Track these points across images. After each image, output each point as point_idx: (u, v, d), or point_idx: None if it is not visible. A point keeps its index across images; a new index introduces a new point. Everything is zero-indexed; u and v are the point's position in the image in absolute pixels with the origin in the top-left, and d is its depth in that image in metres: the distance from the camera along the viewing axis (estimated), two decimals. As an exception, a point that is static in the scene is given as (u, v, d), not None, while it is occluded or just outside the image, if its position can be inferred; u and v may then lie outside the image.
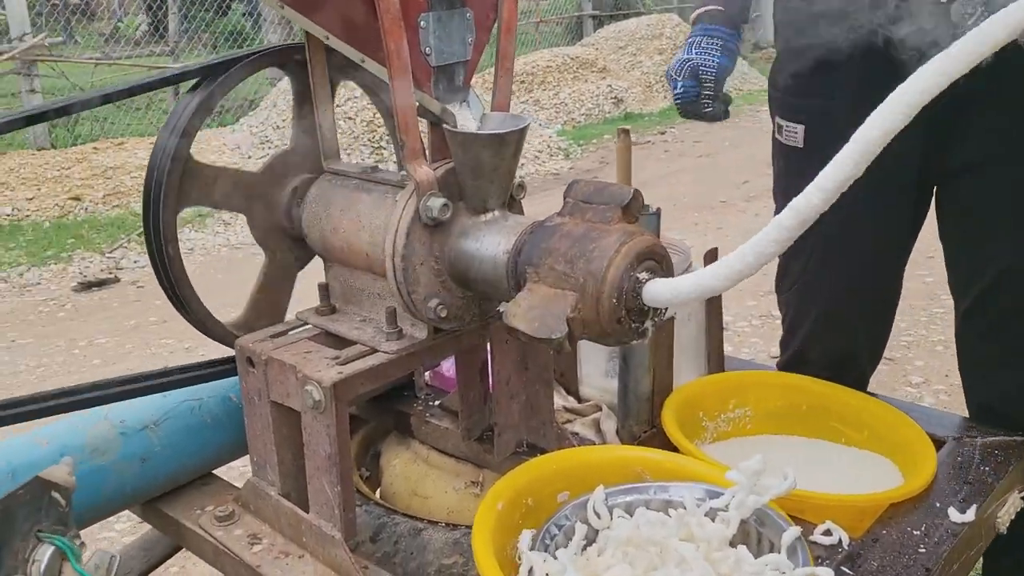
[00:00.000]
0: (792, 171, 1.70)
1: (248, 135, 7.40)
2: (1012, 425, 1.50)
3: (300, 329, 1.28)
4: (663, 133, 8.63)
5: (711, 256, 1.62)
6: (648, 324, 1.00)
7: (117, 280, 4.87)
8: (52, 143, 7.64)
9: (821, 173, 0.82)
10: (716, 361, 1.66)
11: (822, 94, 1.58)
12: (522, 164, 7.26)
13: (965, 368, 1.70)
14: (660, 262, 0.99)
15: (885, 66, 1.30)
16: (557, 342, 0.95)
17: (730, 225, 5.41)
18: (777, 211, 1.71)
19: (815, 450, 1.50)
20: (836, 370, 1.66)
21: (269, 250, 1.35)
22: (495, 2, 1.14)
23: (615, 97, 9.75)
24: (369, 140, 6.91)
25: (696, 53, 1.61)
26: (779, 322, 3.76)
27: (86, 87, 8.84)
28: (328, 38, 1.11)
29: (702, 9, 1.63)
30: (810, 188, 0.82)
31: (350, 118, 6.98)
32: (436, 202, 1.08)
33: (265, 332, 1.26)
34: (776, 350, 3.53)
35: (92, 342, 4.05)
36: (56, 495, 0.78)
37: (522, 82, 9.51)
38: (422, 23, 1.06)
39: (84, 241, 5.47)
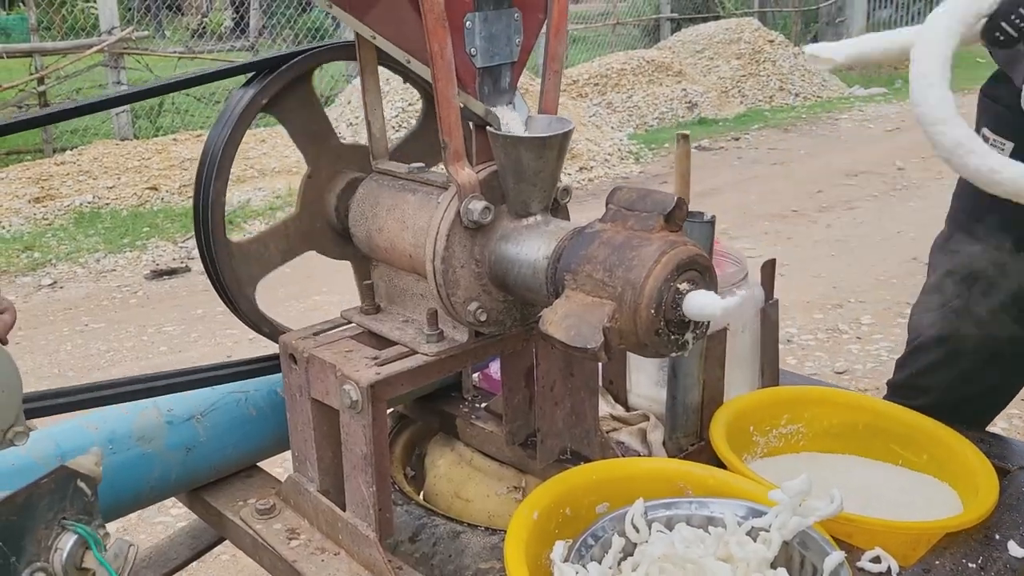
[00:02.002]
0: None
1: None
2: None
3: (343, 327, 1.28)
4: (737, 139, 8.49)
5: (768, 268, 1.57)
6: (689, 336, 0.97)
7: (188, 270, 4.98)
8: (135, 134, 7.87)
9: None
10: (770, 375, 1.61)
11: None
12: (591, 167, 7.22)
13: None
14: (703, 273, 0.96)
15: None
16: (592, 352, 0.92)
17: (801, 235, 5.29)
18: (947, 223, 1.65)
19: (870, 471, 1.44)
20: (953, 407, 1.57)
21: (302, 210, 1.35)
22: (545, 2, 1.12)
23: (689, 101, 9.63)
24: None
25: None
26: (845, 336, 3.69)
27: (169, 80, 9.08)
28: (375, 38, 1.11)
29: None
30: None
31: (411, 104, 7.00)
32: (477, 205, 1.06)
33: (308, 329, 1.27)
34: (841, 364, 3.46)
35: (160, 329, 4.14)
36: (81, 484, 0.78)
37: (596, 84, 9.46)
38: (468, 23, 1.04)
39: (159, 230, 5.62)
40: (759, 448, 1.51)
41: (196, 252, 5.05)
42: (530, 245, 1.07)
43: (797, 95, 10.95)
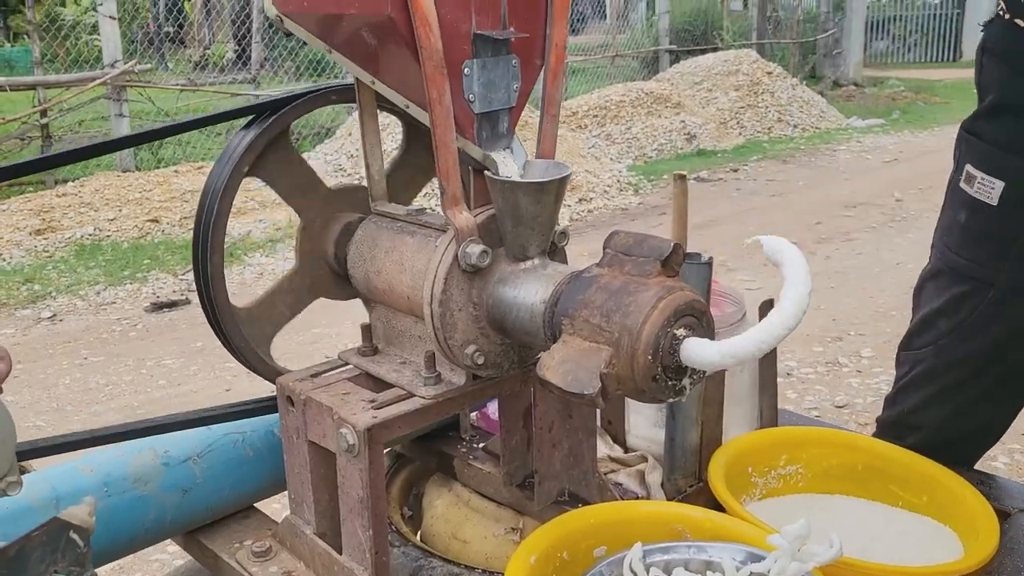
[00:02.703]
0: (976, 227, 1.54)
1: (322, 163, 7.55)
2: None
3: (341, 369, 1.28)
4: (735, 171, 8.53)
5: (766, 308, 1.57)
6: (686, 382, 0.97)
7: (188, 302, 5.00)
8: (137, 165, 7.92)
9: None
10: (769, 415, 1.61)
11: None
12: (590, 198, 7.25)
13: None
14: (700, 318, 0.96)
15: None
16: (589, 398, 0.92)
17: (800, 267, 5.30)
18: (933, 260, 1.64)
19: (870, 513, 1.44)
20: (944, 444, 1.56)
21: (303, 262, 1.35)
22: (542, 49, 1.13)
23: (688, 133, 9.69)
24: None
25: None
26: (845, 369, 3.68)
27: (171, 112, 9.16)
28: (374, 83, 1.12)
29: None
30: None
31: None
32: (475, 248, 1.07)
33: (306, 371, 1.27)
34: (842, 398, 3.45)
35: (160, 362, 4.15)
36: (74, 536, 0.78)
37: (595, 116, 9.53)
38: (466, 70, 1.05)
39: (159, 262, 5.64)
40: (758, 489, 1.50)
41: (196, 285, 5.06)
42: (528, 289, 1.07)
43: (795, 126, 11.02)
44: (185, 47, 14.99)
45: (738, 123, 10.69)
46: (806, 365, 3.74)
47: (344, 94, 1.35)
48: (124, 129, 8.08)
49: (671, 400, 0.96)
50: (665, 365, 0.94)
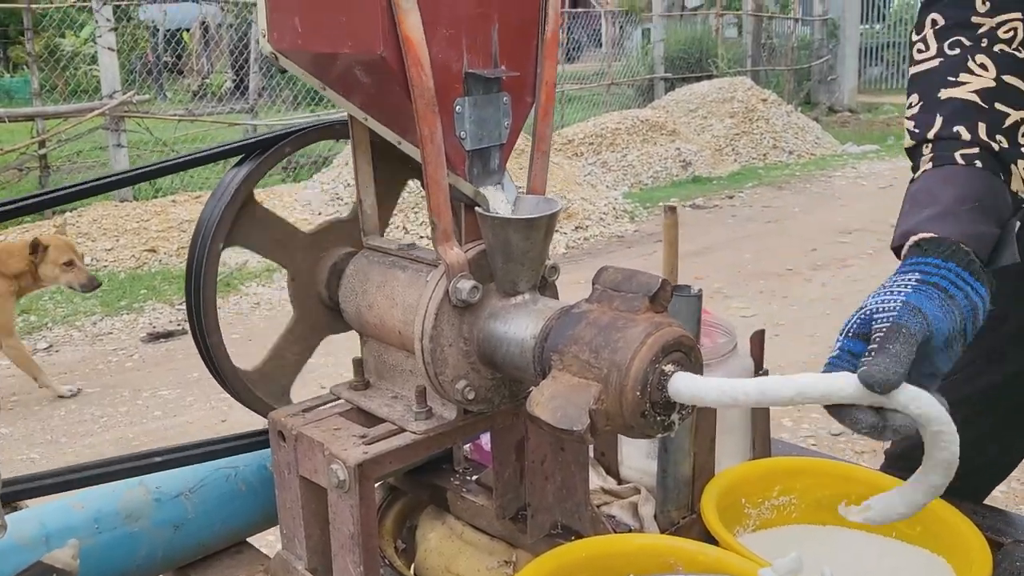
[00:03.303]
0: None
1: (319, 192, 7.58)
2: None
3: (333, 404, 1.28)
4: (731, 197, 8.57)
5: (757, 338, 1.58)
6: (675, 417, 0.97)
7: (184, 332, 4.99)
8: (134, 195, 7.94)
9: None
10: (762, 445, 1.61)
11: None
12: (587, 226, 7.27)
13: None
14: (688, 354, 0.97)
15: None
16: (578, 434, 0.92)
17: (795, 294, 5.32)
18: None
19: (863, 545, 1.43)
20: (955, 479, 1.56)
21: (298, 311, 1.35)
22: (532, 86, 1.14)
23: (683, 160, 9.74)
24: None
25: (872, 298, 0.98)
26: (842, 397, 3.67)
27: (169, 142, 9.20)
28: (367, 119, 1.13)
29: (909, 241, 1.04)
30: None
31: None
32: (466, 284, 1.07)
33: (298, 406, 1.27)
34: (838, 427, 3.44)
35: (155, 393, 4.14)
36: (61, 578, 0.78)
37: (591, 143, 9.58)
38: (458, 108, 1.07)
39: (156, 293, 5.64)
40: (751, 521, 1.49)
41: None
42: (518, 324, 1.07)
43: (791, 153, 11.09)
44: (183, 77, 15.10)
45: (733, 150, 10.75)
46: (802, 393, 3.74)
47: (327, 131, 1.36)
48: (122, 159, 8.12)
49: (660, 436, 0.96)
50: (653, 401, 0.94)
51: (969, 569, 1.29)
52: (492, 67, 1.10)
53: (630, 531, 1.46)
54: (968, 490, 1.60)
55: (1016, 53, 1.11)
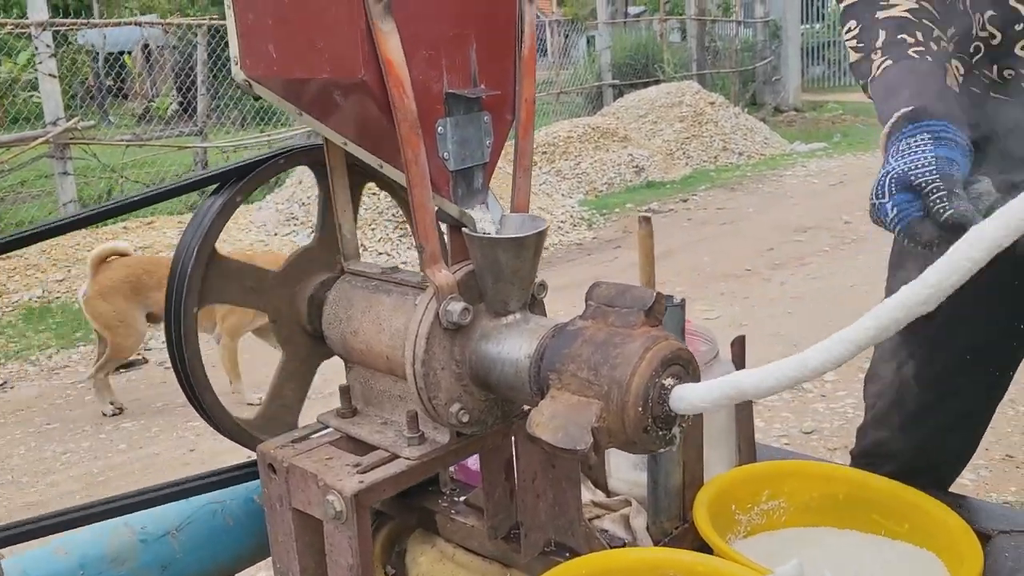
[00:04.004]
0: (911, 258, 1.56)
1: (274, 212, 7.49)
2: None
3: (322, 433, 1.26)
4: (685, 201, 8.65)
5: (738, 344, 1.59)
6: (676, 431, 0.97)
7: (145, 362, 4.90)
8: (83, 224, 7.77)
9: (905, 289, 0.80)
10: (747, 451, 1.62)
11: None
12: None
13: None
14: (686, 366, 0.97)
15: None
16: (582, 453, 0.92)
17: (756, 295, 5.37)
18: (889, 290, 1.65)
19: (855, 545, 1.44)
20: (917, 470, 1.58)
21: (288, 348, 1.34)
22: (512, 104, 1.14)
23: (636, 166, 9.81)
24: (394, 215, 6.97)
25: (898, 160, 1.07)
26: (810, 395, 3.72)
27: (117, 167, 9.04)
28: (346, 144, 1.12)
29: (897, 114, 1.13)
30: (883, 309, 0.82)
31: (374, 194, 7.05)
32: (456, 306, 1.06)
33: (287, 437, 1.24)
34: (809, 424, 3.48)
35: (118, 426, 4.05)
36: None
37: (544, 153, 9.61)
38: (440, 129, 1.06)
39: (113, 322, 5.52)
40: (742, 527, 1.50)
41: (153, 343, 4.95)
42: (511, 344, 1.07)
43: (741, 154, 11.22)
44: (127, 101, 14.86)
45: (684, 154, 10.84)
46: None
47: (293, 159, 1.34)
48: (70, 187, 7.95)
49: (662, 451, 0.96)
50: (655, 416, 0.94)
51: (960, 563, 1.30)
52: (472, 87, 1.09)
53: (624, 544, 1.45)
54: (936, 478, 1.62)
55: None
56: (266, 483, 1.22)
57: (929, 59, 1.20)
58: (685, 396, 0.93)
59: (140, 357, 4.94)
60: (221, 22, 10.30)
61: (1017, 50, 1.25)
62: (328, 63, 1.03)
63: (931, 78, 1.17)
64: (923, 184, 1.02)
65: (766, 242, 6.62)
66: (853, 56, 1.29)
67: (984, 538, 1.39)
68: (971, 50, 1.31)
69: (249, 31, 1.12)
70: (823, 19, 21.62)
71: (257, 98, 1.15)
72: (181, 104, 11.86)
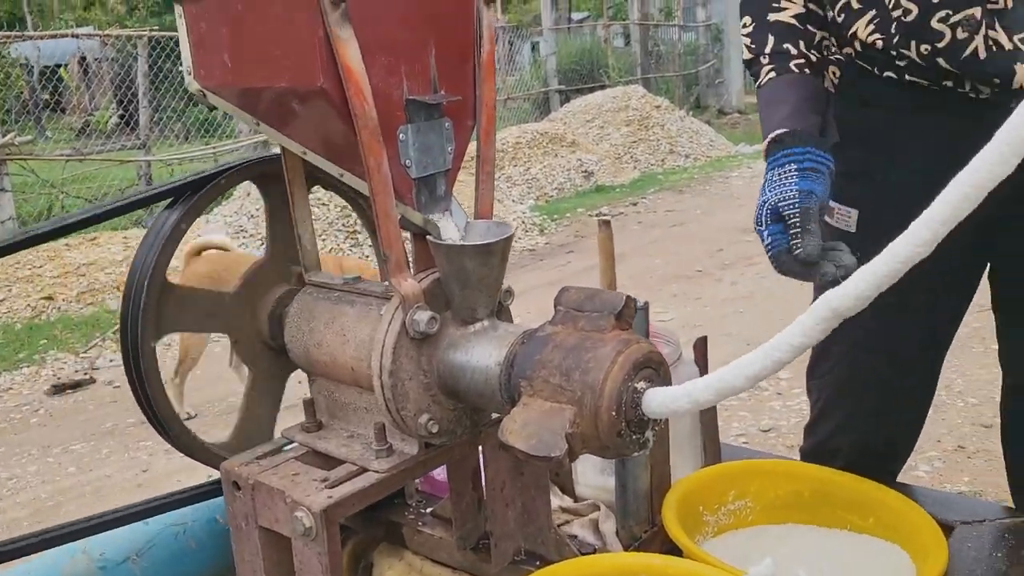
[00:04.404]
0: None
1: (222, 224, 7.38)
2: None
3: (286, 448, 1.23)
4: (635, 204, 8.71)
5: (700, 346, 1.59)
6: (649, 434, 0.96)
7: (92, 381, 4.78)
8: (23, 242, 7.57)
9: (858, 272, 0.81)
10: (712, 452, 1.62)
11: (879, 180, 1.50)
12: (498, 241, 7.27)
13: (1011, 445, 1.66)
14: (657, 369, 0.97)
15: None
16: (557, 460, 0.91)
17: (708, 295, 5.42)
18: (816, 294, 1.67)
19: (822, 540, 1.45)
20: (865, 462, 1.60)
21: (254, 367, 1.31)
22: (473, 109, 1.13)
23: (585, 170, 9.86)
24: (344, 225, 6.91)
25: (770, 191, 1.26)
26: (766, 393, 3.75)
27: (57, 183, 8.83)
28: (305, 153, 1.10)
29: (769, 137, 1.31)
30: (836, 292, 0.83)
31: (324, 204, 6.99)
32: (423, 315, 1.05)
33: (251, 453, 1.22)
34: (766, 422, 3.52)
35: (67, 448, 3.94)
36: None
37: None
38: (401, 136, 1.04)
39: (58, 342, 5.38)
40: (710, 527, 1.50)
41: (100, 363, 4.83)
42: (480, 352, 1.05)
43: (687, 156, 11.34)
44: (65, 115, 14.53)
45: (632, 157, 10.93)
46: (726, 391, 3.80)
47: (245, 172, 1.32)
48: (7, 205, 7.76)
49: (636, 455, 0.95)
50: (628, 420, 0.93)
51: (926, 555, 1.32)
52: (432, 93, 1.08)
53: (594, 550, 1.44)
54: (884, 469, 1.64)
55: None
56: (231, 501, 1.19)
57: (808, 72, 1.35)
58: (657, 399, 0.93)
59: (87, 377, 4.82)
60: (162, 33, 10.15)
61: (934, 23, 1.27)
62: (286, 71, 1.01)
63: (805, 96, 1.33)
64: (788, 216, 1.21)
65: (715, 243, 6.69)
66: (746, 53, 1.42)
67: (947, 529, 1.41)
68: (885, 34, 1.34)
69: (202, 41, 1.10)
70: (763, 22, 21.95)
71: (212, 108, 1.13)
72: (122, 117, 11.62)
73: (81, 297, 6.07)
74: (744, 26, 1.43)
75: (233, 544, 1.21)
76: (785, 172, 1.25)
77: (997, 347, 1.63)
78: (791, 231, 1.20)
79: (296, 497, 1.09)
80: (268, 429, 1.35)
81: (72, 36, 11.32)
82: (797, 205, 1.20)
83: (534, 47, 16.73)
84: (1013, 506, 1.61)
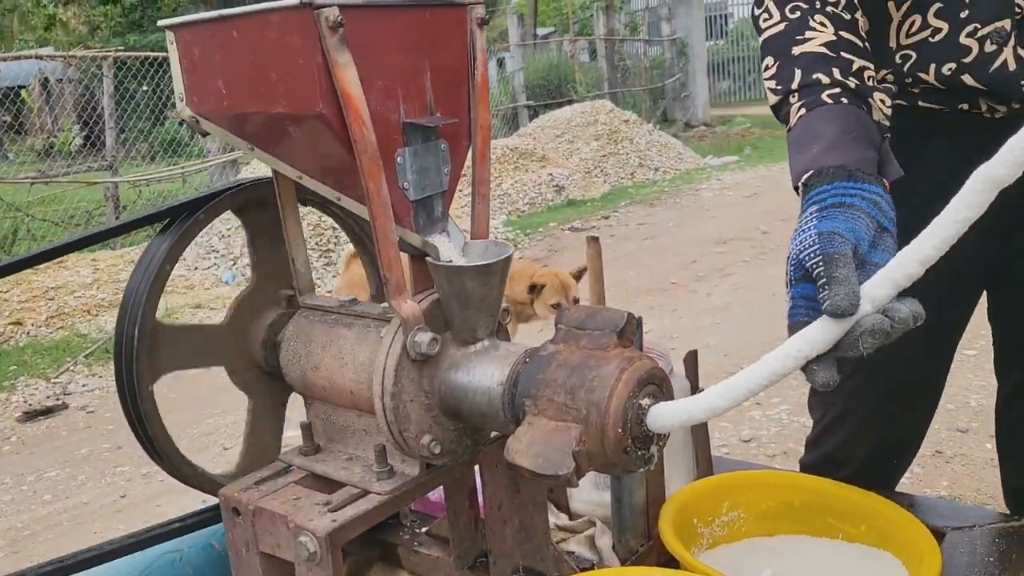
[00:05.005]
0: None
1: (193, 245, 7.32)
2: None
3: (285, 473, 1.23)
4: (607, 218, 8.75)
5: (691, 358, 1.61)
6: (654, 449, 0.97)
7: (65, 407, 4.71)
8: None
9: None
10: (704, 464, 1.64)
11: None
12: (471, 257, 7.27)
13: (1004, 451, 1.68)
14: (660, 385, 0.98)
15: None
16: (565, 479, 0.91)
17: (684, 306, 5.46)
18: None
19: (817, 550, 1.47)
20: (871, 472, 1.61)
21: (253, 395, 1.31)
22: (467, 131, 1.14)
23: (556, 185, 9.90)
24: (316, 244, 6.88)
25: (793, 242, 1.01)
26: (746, 404, 3.77)
27: (22, 206, 8.72)
28: (301, 178, 1.10)
29: (808, 172, 1.08)
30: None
31: (296, 223, 6.94)
32: (424, 337, 1.05)
33: (250, 478, 1.21)
34: (747, 432, 3.54)
35: (42, 476, 3.88)
36: None
37: (465, 176, 9.59)
38: (399, 159, 1.05)
39: (28, 367, 5.30)
40: (705, 540, 1.51)
41: (72, 387, 4.76)
42: (482, 372, 1.06)
43: (657, 169, 11.42)
44: (27, 136, 14.36)
45: (602, 171, 10.99)
46: (705, 402, 3.83)
47: (227, 202, 1.31)
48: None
49: (641, 470, 0.96)
50: (634, 436, 0.94)
51: (919, 561, 1.34)
52: (428, 115, 1.08)
53: (592, 565, 1.45)
54: (886, 478, 1.66)
55: (843, 15, 1.23)
56: (230, 528, 1.18)
57: (845, 101, 1.14)
58: (662, 415, 0.94)
59: (60, 403, 4.75)
60: (127, 54, 10.07)
61: (962, 38, 1.25)
62: (283, 97, 1.01)
63: (843, 128, 1.11)
64: (811, 268, 0.96)
65: (688, 255, 6.74)
66: (772, 98, 1.23)
67: (938, 535, 1.43)
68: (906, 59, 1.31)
69: (195, 66, 1.10)
70: (726, 36, 22.25)
71: (205, 134, 1.13)
72: (87, 138, 11.51)
73: (51, 321, 5.99)
74: (766, 68, 1.24)
75: (233, 571, 1.20)
76: (805, 217, 1.02)
77: (993, 356, 1.65)
78: (818, 282, 0.94)
79: (299, 522, 1.08)
80: (274, 454, 1.34)
81: (36, 58, 11.21)
82: (818, 252, 0.95)
83: (501, 63, 16.80)
84: (997, 510, 1.64)
